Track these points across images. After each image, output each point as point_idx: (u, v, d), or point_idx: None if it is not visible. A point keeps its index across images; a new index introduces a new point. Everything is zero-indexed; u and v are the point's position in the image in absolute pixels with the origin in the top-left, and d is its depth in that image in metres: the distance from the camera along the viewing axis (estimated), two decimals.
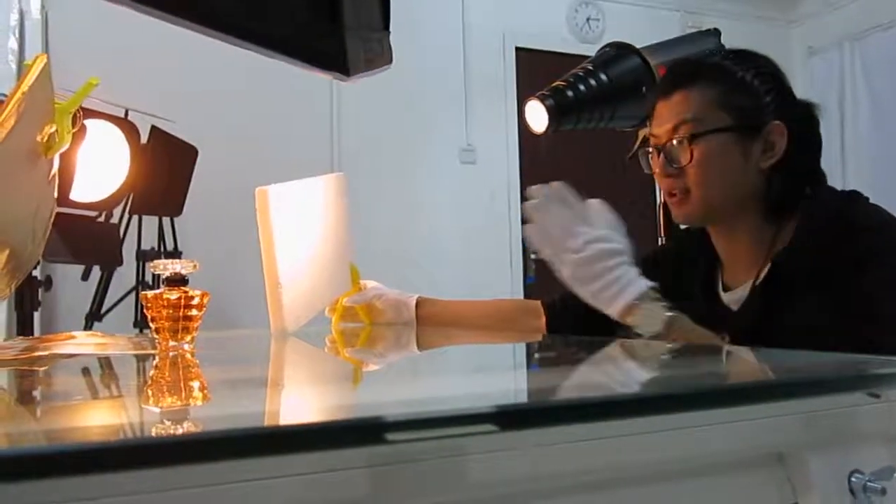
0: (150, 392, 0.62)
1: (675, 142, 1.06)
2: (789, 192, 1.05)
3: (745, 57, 1.11)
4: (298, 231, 1.15)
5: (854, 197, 1.05)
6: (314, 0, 0.54)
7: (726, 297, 1.11)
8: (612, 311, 0.99)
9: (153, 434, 0.41)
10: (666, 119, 1.08)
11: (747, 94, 1.06)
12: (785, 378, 0.54)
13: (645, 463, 0.44)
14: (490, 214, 4.32)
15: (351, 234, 1.39)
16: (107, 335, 1.22)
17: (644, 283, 1.00)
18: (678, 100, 1.08)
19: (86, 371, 0.79)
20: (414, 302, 1.35)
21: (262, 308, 1.09)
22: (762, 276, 1.04)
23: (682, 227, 1.16)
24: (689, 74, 1.09)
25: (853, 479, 0.47)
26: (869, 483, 0.47)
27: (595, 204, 1.07)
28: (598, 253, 1.01)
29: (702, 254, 1.16)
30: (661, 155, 1.08)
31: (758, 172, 1.05)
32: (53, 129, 1.01)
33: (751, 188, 1.06)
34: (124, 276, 3.05)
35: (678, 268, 1.21)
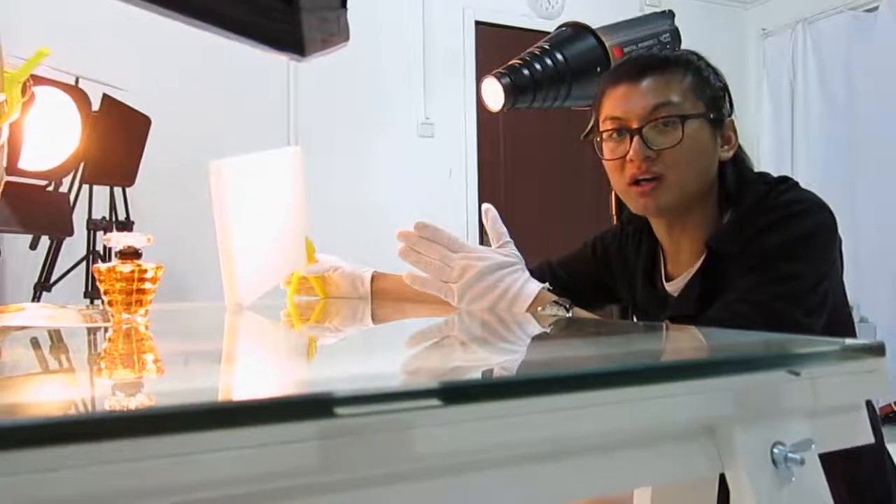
0: (101, 365, 0.63)
1: (661, 122, 1.04)
2: (736, 184, 1.09)
3: (700, 56, 1.14)
4: (253, 205, 1.15)
5: (782, 183, 1.08)
6: None
7: (669, 287, 1.14)
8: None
9: (105, 408, 0.42)
10: (640, 100, 1.06)
11: (712, 88, 1.10)
12: (715, 356, 0.57)
13: (584, 435, 0.47)
14: (448, 188, 4.33)
15: (307, 209, 1.39)
16: (58, 307, 1.21)
17: (533, 288, 1.04)
18: (654, 84, 1.06)
19: (37, 343, 0.79)
20: (369, 276, 1.36)
21: (215, 280, 1.09)
22: (699, 264, 1.08)
23: (630, 213, 1.17)
24: (658, 62, 1.10)
25: (775, 450, 0.50)
26: (789, 454, 0.50)
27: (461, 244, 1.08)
28: (476, 274, 1.03)
29: (645, 243, 1.19)
30: (636, 137, 1.05)
31: (718, 164, 1.09)
32: (2, 98, 1.00)
33: (712, 177, 1.09)
34: (74, 245, 3.00)
35: (623, 252, 1.25)
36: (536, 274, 1.12)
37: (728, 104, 1.12)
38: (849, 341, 0.55)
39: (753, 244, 1.00)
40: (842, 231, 1.04)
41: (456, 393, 0.40)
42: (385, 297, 1.33)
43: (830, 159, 4.47)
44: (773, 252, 0.99)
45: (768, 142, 4.77)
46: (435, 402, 0.38)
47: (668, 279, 1.15)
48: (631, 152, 1.05)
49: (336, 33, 0.81)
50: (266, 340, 0.94)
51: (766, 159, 4.65)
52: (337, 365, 0.66)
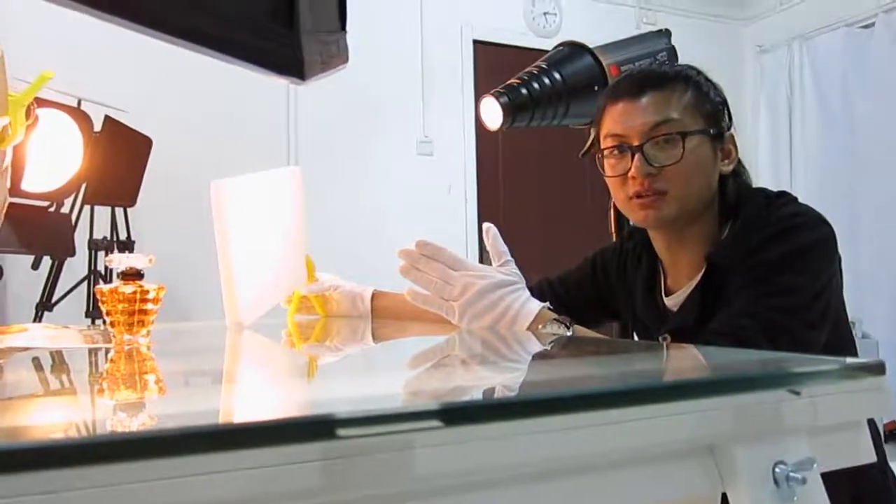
0: (103, 386, 0.63)
1: (662, 140, 1.05)
2: (737, 198, 1.09)
3: (699, 71, 1.14)
4: (254, 224, 1.16)
5: (781, 197, 1.09)
6: (272, 7, 0.55)
7: (669, 301, 1.14)
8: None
9: (106, 430, 0.42)
10: (640, 118, 1.07)
11: (712, 103, 1.10)
12: (715, 376, 0.57)
13: (584, 454, 0.47)
14: (447, 206, 4.34)
15: (306, 227, 1.39)
16: (60, 327, 1.21)
17: (534, 307, 1.04)
18: (654, 100, 1.07)
19: (39, 365, 0.79)
20: (369, 294, 1.36)
21: (216, 299, 1.09)
22: (699, 278, 1.08)
23: (631, 227, 1.19)
24: (657, 78, 1.10)
25: (777, 469, 0.50)
26: (791, 473, 0.50)
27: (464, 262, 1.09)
28: (477, 292, 1.04)
29: (645, 257, 1.19)
30: (637, 155, 1.06)
31: (717, 179, 1.10)
32: (6, 121, 1.00)
33: (714, 191, 1.09)
34: (76, 265, 3.01)
35: (623, 267, 1.25)
36: (535, 292, 1.12)
37: (727, 118, 1.12)
38: (849, 360, 0.55)
39: (753, 257, 1.00)
40: (841, 245, 1.04)
41: (457, 414, 0.40)
42: (385, 315, 1.34)
43: (828, 173, 4.48)
44: (772, 265, 0.99)
45: (766, 156, 4.79)
46: (436, 422, 0.38)
47: (668, 293, 1.15)
48: (633, 170, 1.06)
49: (336, 55, 0.82)
50: (267, 360, 0.94)
51: (763, 173, 4.66)
52: (338, 385, 0.66)
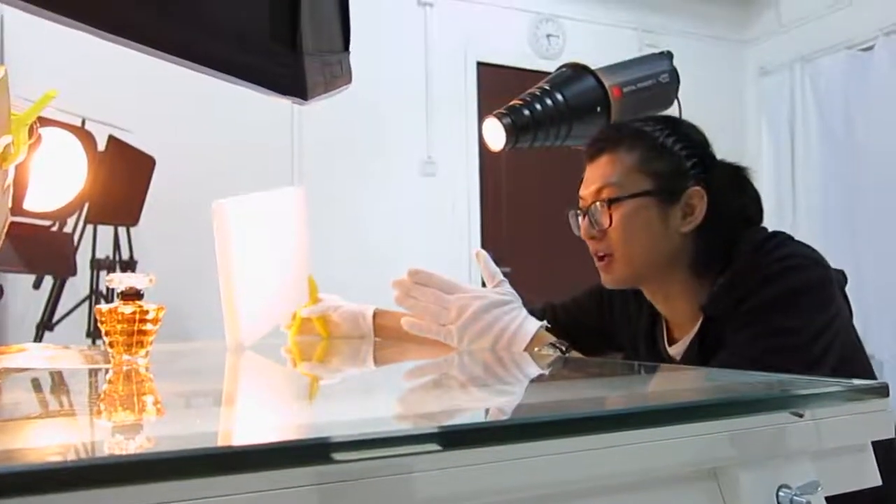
0: (101, 408, 0.62)
1: (597, 205, 1.08)
2: (713, 252, 1.06)
3: (669, 123, 1.12)
4: (256, 245, 1.15)
5: (773, 238, 1.05)
6: (273, 28, 0.56)
7: (672, 350, 1.13)
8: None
9: (103, 453, 0.42)
10: (591, 182, 1.10)
11: (667, 159, 1.07)
12: (716, 398, 0.56)
13: (585, 478, 0.46)
14: (450, 227, 4.34)
15: (309, 247, 1.39)
16: (60, 347, 1.21)
17: (531, 327, 1.04)
18: (603, 163, 1.10)
19: (37, 385, 0.79)
20: (371, 313, 1.35)
21: (218, 318, 1.09)
22: (696, 328, 1.07)
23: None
24: (613, 139, 1.10)
25: (781, 493, 0.50)
26: (795, 497, 0.49)
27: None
28: (473, 313, 1.05)
29: (645, 305, 1.17)
30: (586, 217, 1.10)
31: (680, 236, 1.06)
32: (9, 140, 1.01)
33: (674, 251, 1.06)
34: (77, 285, 3.01)
35: (627, 307, 1.24)
36: (538, 314, 1.12)
37: (699, 168, 1.07)
38: (853, 382, 0.54)
39: (746, 301, 0.98)
40: (842, 264, 1.02)
41: (454, 437, 0.40)
42: (388, 334, 1.33)
43: (831, 194, 4.48)
44: (765, 307, 0.96)
45: (768, 178, 4.78)
46: (434, 446, 0.38)
47: (671, 342, 1.14)
48: (583, 231, 1.11)
49: (339, 76, 0.82)
50: (267, 382, 0.93)
51: (766, 196, 4.63)
52: (336, 408, 0.65)
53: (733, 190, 1.10)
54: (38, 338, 2.89)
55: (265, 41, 0.56)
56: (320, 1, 0.68)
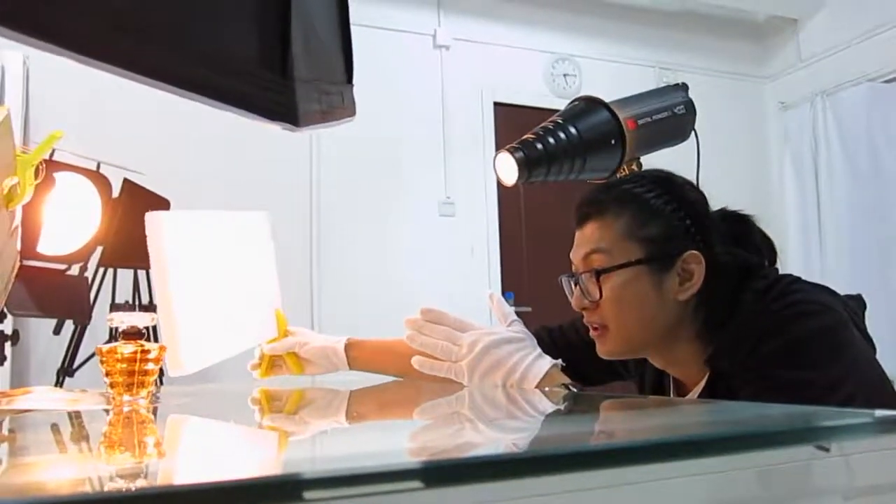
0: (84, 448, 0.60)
1: (586, 275, 1.00)
2: (717, 314, 0.98)
3: (662, 182, 1.04)
4: (203, 263, 1.09)
5: (777, 284, 0.97)
6: (262, 54, 0.54)
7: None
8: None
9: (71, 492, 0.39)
10: (580, 247, 1.03)
11: (659, 222, 0.99)
12: (732, 431, 0.52)
13: None
14: (469, 267, 4.32)
15: (277, 280, 1.33)
16: (72, 391, 1.19)
17: (543, 366, 1.01)
18: (590, 230, 1.02)
19: (19, 428, 0.77)
20: (342, 346, 1.28)
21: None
22: (703, 383, 1.01)
23: None
24: (599, 203, 1.03)
25: None
26: None
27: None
28: (483, 348, 1.02)
29: (649, 363, 1.10)
30: (577, 287, 1.02)
31: (678, 304, 0.98)
32: (15, 180, 1.00)
33: (673, 320, 0.99)
34: (98, 329, 3.01)
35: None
36: (545, 343, 1.08)
37: (696, 228, 1.00)
38: (881, 413, 0.50)
39: (752, 356, 0.91)
40: (875, 297, 0.95)
41: (437, 474, 0.36)
42: (364, 366, 1.27)
43: (858, 226, 4.41)
44: (771, 360, 0.89)
45: (793, 214, 4.72)
46: (416, 483, 0.35)
47: (680, 394, 1.08)
48: (574, 301, 1.03)
49: (339, 106, 0.81)
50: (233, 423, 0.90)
51: (792, 231, 4.59)
52: (313, 445, 0.62)
53: (735, 244, 1.02)
54: (59, 383, 2.88)
55: (253, 67, 0.55)
56: (316, 29, 0.67)
